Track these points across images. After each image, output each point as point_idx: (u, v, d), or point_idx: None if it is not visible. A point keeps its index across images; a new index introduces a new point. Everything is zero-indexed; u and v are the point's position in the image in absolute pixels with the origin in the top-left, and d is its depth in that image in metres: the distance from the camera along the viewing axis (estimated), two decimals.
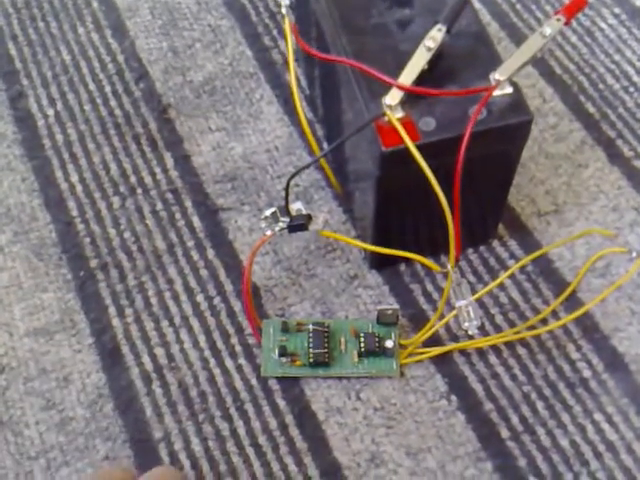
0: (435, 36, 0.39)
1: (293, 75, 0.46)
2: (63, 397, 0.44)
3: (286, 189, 0.41)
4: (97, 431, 0.43)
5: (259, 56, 0.56)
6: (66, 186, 0.51)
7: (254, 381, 0.44)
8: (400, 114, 0.38)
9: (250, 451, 0.42)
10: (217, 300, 0.47)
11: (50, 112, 0.54)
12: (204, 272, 0.48)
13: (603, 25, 0.57)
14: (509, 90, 0.39)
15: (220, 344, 0.45)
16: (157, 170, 0.52)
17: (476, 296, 0.43)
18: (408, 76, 0.38)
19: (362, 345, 0.44)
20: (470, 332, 0.44)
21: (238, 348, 0.45)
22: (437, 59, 0.39)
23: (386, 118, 0.38)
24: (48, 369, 0.45)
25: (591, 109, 0.53)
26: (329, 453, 0.42)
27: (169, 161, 0.52)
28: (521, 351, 0.45)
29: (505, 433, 0.42)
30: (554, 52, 0.56)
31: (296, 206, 0.43)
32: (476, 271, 0.47)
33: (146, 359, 0.45)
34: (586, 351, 0.45)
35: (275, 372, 0.44)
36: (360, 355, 0.44)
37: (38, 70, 0.56)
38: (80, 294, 0.47)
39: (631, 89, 0.54)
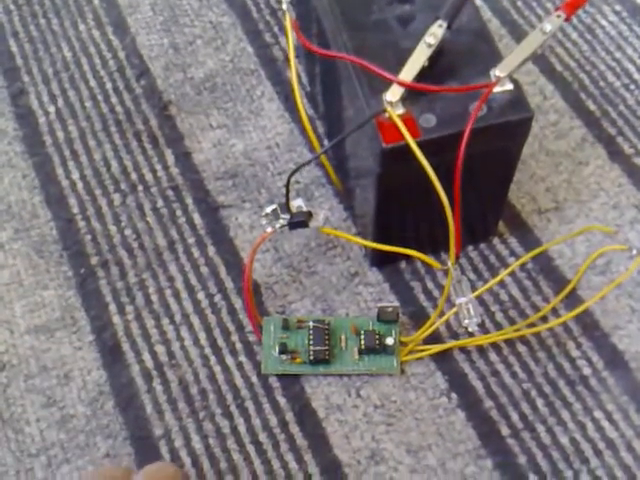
0: (436, 32, 0.39)
1: (294, 72, 0.46)
2: (64, 394, 0.44)
3: (287, 186, 0.41)
4: (98, 428, 0.43)
5: (260, 53, 0.56)
6: (67, 183, 0.51)
7: (254, 378, 0.44)
8: (401, 110, 0.38)
9: (250, 448, 0.42)
10: (218, 297, 0.47)
11: (51, 109, 0.54)
12: (205, 269, 0.48)
13: (604, 22, 0.57)
14: (509, 87, 0.39)
15: (221, 341, 0.45)
16: (158, 167, 0.52)
17: (476, 293, 0.43)
18: (409, 72, 0.38)
19: (362, 342, 0.44)
20: (470, 329, 0.44)
21: (239, 345, 0.45)
22: (438, 55, 0.39)
23: (387, 114, 0.38)
24: (49, 366, 0.45)
25: (592, 106, 0.53)
26: (329, 450, 0.42)
27: (170, 158, 0.52)
28: (521, 348, 0.45)
29: (505, 430, 0.42)
30: (555, 49, 0.56)
31: (297, 203, 0.43)
32: (476, 268, 0.47)
33: (147, 356, 0.45)
34: (586, 349, 0.44)
35: (275, 369, 0.44)
36: (360, 352, 0.44)
37: (39, 67, 0.56)
38: (81, 291, 0.47)
39: (632, 86, 0.54)
